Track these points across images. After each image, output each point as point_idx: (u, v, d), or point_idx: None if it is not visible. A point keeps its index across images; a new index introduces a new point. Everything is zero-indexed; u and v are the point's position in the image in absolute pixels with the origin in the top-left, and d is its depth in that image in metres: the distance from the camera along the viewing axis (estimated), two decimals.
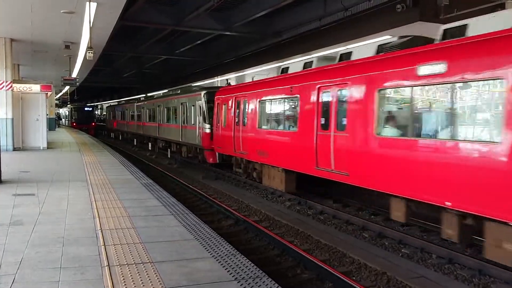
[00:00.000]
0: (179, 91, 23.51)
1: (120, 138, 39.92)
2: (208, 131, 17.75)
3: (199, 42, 23.78)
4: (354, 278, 6.87)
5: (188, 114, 20.25)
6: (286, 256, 7.98)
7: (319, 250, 8.27)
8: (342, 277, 6.53)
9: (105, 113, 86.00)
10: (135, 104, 33.40)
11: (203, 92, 18.59)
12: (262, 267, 6.69)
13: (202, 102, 18.38)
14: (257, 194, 13.72)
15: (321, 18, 15.93)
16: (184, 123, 20.90)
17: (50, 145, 20.98)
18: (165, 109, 24.41)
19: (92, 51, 12.93)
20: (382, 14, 12.96)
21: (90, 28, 12.57)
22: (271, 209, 11.57)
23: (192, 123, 19.49)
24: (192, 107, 19.56)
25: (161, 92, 33.03)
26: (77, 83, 27.77)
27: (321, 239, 8.82)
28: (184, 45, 24.87)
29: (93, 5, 11.65)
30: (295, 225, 9.93)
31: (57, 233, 6.12)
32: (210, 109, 17.86)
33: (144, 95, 37.53)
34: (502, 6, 11.81)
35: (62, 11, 12.69)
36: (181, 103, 21.31)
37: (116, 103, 47.39)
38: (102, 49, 18.99)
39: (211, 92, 18.20)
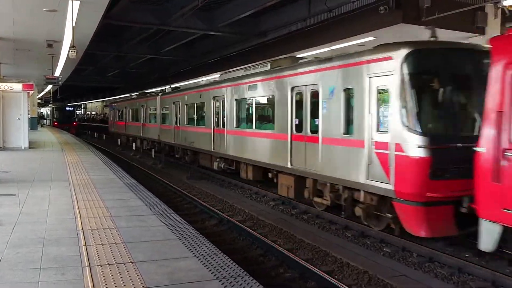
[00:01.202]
0: (278, 67, 12.08)
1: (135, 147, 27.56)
2: (422, 154, 7.38)
3: (184, 41, 23.69)
4: (336, 277, 6.93)
5: (327, 111, 9.65)
6: (269, 255, 8.02)
7: (302, 250, 8.32)
8: (324, 276, 6.60)
9: (91, 112, 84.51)
10: (159, 97, 23.15)
11: (403, 52, 7.72)
12: (245, 267, 6.70)
13: (396, 80, 7.78)
14: (241, 194, 13.74)
15: (306, 19, 16.03)
16: (301, 130, 10.68)
17: (32, 145, 20.69)
18: (236, 103, 14.19)
19: (74, 50, 12.82)
20: (366, 15, 13.11)
21: (73, 27, 12.44)
22: (255, 209, 11.60)
23: (342, 131, 9.15)
24: (354, 94, 8.87)
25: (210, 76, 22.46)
26: (60, 82, 27.39)
27: (304, 239, 8.88)
28: (169, 44, 24.75)
29: (76, 3, 11.52)
30: (279, 224, 9.98)
31: (37, 234, 6.05)
32: (430, 97, 8.20)
33: (169, 86, 27.77)
34: (482, 9, 12.07)
35: (44, 9, 12.51)
36: (293, 89, 10.90)
37: (122, 98, 36.88)
38: (86, 48, 18.79)
39: (435, 52, 8.16)
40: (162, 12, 18.46)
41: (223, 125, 14.97)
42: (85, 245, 5.50)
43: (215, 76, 20.49)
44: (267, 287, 5.10)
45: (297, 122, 10.88)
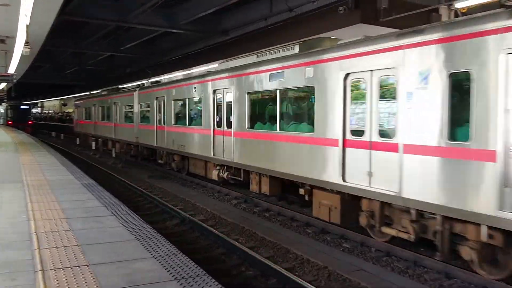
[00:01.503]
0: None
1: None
2: None
3: (145, 38, 23.28)
4: (297, 273, 7.01)
5: (414, 107, 6.97)
6: (231, 254, 8.02)
7: (264, 247, 8.36)
8: (285, 273, 6.67)
9: (48, 111, 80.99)
10: (136, 93, 19.96)
11: None
12: (207, 266, 6.68)
13: None
14: (203, 193, 13.66)
15: (267, 18, 16.09)
16: (361, 133, 7.97)
17: None
18: (249, 97, 11.43)
19: (29, 47, 12.36)
20: (326, 15, 13.30)
21: (27, 25, 11.98)
22: (218, 208, 11.56)
23: (446, 136, 6.48)
24: (472, 79, 6.14)
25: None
26: (15, 80, 26.37)
27: (266, 236, 8.93)
28: (129, 41, 24.26)
29: None
30: (241, 223, 9.99)
31: None
32: None
33: (147, 80, 24.48)
34: (436, 11, 12.49)
35: None
36: (347, 76, 8.18)
37: (90, 95, 32.22)
38: (41, 44, 18.15)
39: None
40: (121, 8, 18.06)
41: (229, 126, 12.20)
42: (39, 248, 5.31)
43: (212, 66, 17.71)
44: (227, 286, 5.09)
45: (354, 123, 8.12)
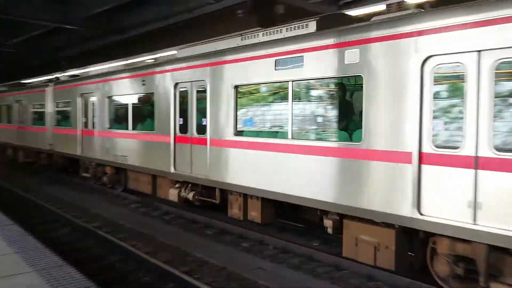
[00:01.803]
0: None
1: None
2: None
3: (35, 33, 21.54)
4: (195, 276, 6.97)
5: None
6: (128, 260, 7.73)
7: (163, 252, 8.20)
8: (183, 277, 6.60)
9: None
10: (50, 89, 17.20)
11: None
12: (100, 275, 6.42)
13: None
14: (101, 199, 13.02)
15: (167, 18, 15.83)
16: (457, 145, 5.45)
17: None
18: (237, 91, 8.68)
19: None
20: (225, 18, 13.43)
21: None
22: (115, 213, 11.11)
23: None
24: None
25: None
26: None
27: (165, 240, 8.79)
28: (16, 36, 22.28)
29: None
30: (139, 228, 9.71)
31: None
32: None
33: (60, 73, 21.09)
34: (329, 19, 13.25)
35: None
36: (427, 61, 5.72)
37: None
38: None
39: None
40: None
41: (200, 131, 9.51)
42: None
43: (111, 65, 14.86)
44: None
45: (439, 129, 5.73)
